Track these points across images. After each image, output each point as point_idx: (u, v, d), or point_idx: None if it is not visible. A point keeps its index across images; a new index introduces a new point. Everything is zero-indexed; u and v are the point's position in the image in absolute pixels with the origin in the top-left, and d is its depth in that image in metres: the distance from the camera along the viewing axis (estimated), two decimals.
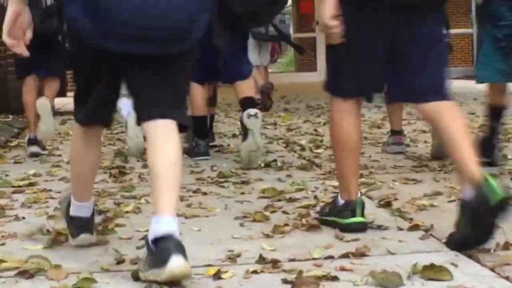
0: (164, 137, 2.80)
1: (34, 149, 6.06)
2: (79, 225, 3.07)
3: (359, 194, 3.34)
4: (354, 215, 3.27)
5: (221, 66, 5.38)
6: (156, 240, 2.54)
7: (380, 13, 3.19)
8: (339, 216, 3.30)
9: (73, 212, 3.05)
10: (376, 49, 3.27)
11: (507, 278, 2.54)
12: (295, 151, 5.88)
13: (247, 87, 5.53)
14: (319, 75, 20.37)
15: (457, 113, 3.33)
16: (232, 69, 5.50)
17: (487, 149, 4.76)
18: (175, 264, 2.46)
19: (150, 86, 2.79)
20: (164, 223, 2.57)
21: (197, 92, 5.48)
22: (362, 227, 3.25)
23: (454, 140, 3.13)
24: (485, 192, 2.89)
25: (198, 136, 5.75)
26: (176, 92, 2.86)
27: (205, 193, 4.22)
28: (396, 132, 5.82)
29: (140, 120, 2.86)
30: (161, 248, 2.51)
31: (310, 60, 21.48)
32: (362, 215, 3.28)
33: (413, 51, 3.28)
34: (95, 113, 2.91)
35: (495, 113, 4.92)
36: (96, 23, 2.62)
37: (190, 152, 5.53)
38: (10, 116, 9.31)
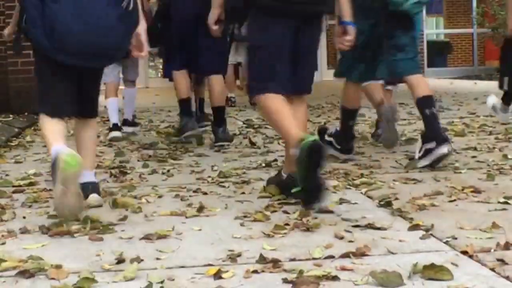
0: (90, 126, 4.04)
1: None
2: None
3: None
4: (293, 187, 3.77)
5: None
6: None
7: (289, 20, 3.94)
8: (286, 188, 3.89)
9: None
10: (285, 50, 3.97)
11: (507, 277, 2.54)
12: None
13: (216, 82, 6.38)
14: (319, 75, 20.45)
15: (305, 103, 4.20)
16: (206, 61, 6.23)
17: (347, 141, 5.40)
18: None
19: (89, 88, 3.98)
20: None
21: (180, 78, 6.24)
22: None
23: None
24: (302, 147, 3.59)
25: (184, 115, 6.56)
26: (97, 92, 4.09)
27: (205, 193, 4.22)
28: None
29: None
30: None
31: None
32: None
33: (306, 50, 4.06)
34: (58, 106, 3.78)
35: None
36: (51, 42, 3.62)
37: (181, 131, 6.07)
38: (11, 115, 9.31)
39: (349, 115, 5.40)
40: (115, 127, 7.03)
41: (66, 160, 3.42)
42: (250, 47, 4.15)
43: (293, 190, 3.76)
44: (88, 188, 3.84)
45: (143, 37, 3.89)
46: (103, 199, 3.95)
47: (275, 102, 3.90)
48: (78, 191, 3.48)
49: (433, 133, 4.84)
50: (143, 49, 3.92)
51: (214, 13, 4.56)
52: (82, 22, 3.60)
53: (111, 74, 6.97)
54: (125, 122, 7.47)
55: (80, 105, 3.90)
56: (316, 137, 3.93)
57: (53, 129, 3.74)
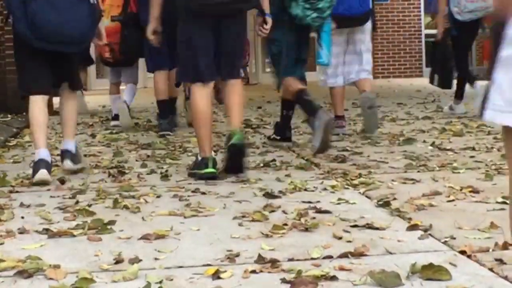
0: (70, 99, 4.99)
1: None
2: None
3: (212, 153, 4.75)
4: (207, 167, 4.61)
5: None
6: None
7: (206, 20, 4.71)
8: (198, 168, 4.69)
9: None
10: (208, 44, 4.74)
11: (505, 277, 2.54)
12: (293, 151, 5.88)
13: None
14: (318, 74, 20.40)
15: (239, 88, 4.94)
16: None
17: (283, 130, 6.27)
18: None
19: (66, 68, 4.93)
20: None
21: (159, 79, 6.70)
22: (212, 177, 4.58)
23: (231, 105, 4.86)
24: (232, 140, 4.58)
25: (161, 117, 7.35)
26: (75, 71, 5.06)
27: (203, 193, 4.22)
28: (339, 117, 6.87)
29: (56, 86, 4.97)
30: None
31: (309, 60, 21.45)
32: (213, 167, 4.62)
33: (230, 42, 4.82)
34: (39, 83, 4.81)
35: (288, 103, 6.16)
36: (33, 33, 4.60)
37: (157, 130, 6.48)
38: (9, 115, 9.30)
39: (288, 106, 6.22)
40: (115, 117, 8.27)
41: (38, 177, 4.55)
42: (178, 42, 4.90)
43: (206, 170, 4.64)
44: (66, 155, 4.94)
45: (102, 30, 5.11)
46: (75, 167, 4.88)
47: (201, 95, 4.76)
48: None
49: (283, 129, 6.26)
50: (102, 38, 5.13)
51: (150, 26, 5.37)
52: (56, 17, 4.59)
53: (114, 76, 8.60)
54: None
55: (61, 81, 4.93)
56: (238, 136, 4.66)
57: (38, 122, 4.75)
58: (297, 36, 5.96)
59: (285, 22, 5.74)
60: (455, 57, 8.44)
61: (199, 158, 4.72)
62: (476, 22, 8.30)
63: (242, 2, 4.78)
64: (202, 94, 4.76)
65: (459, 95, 8.71)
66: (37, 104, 4.78)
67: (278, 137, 6.28)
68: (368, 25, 6.98)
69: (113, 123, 8.30)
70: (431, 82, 8.70)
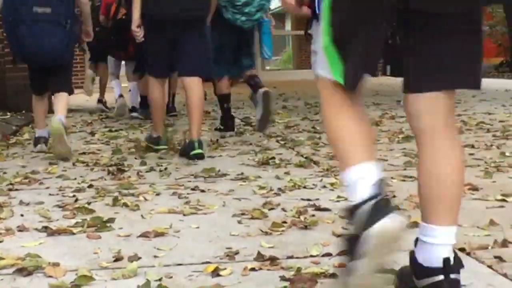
0: (60, 97, 6.02)
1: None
2: None
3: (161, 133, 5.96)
4: (158, 145, 5.98)
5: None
6: None
7: (167, 26, 5.68)
8: (154, 144, 5.98)
9: None
10: (165, 46, 5.77)
11: (505, 275, 2.54)
12: (293, 149, 5.88)
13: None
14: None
15: (198, 86, 5.78)
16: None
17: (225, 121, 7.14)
18: None
19: (52, 76, 6.01)
20: None
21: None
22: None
23: (189, 110, 5.75)
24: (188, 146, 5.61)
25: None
26: (65, 78, 6.11)
27: (203, 191, 4.22)
28: None
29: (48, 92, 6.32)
30: None
31: (308, 57, 21.46)
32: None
33: (188, 45, 5.72)
34: (38, 88, 6.19)
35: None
36: (22, 53, 5.88)
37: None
38: (8, 113, 9.30)
39: (223, 99, 7.09)
40: (133, 109, 9.25)
41: (52, 127, 5.64)
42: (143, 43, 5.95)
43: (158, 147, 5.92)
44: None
45: (90, 29, 6.37)
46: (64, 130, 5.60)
47: (156, 87, 5.98)
48: (65, 142, 5.58)
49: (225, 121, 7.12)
50: (90, 36, 6.41)
51: (134, 20, 5.85)
52: (39, 42, 5.77)
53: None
54: (133, 109, 9.26)
55: (53, 86, 6.07)
56: (197, 150, 5.52)
57: (39, 110, 6.30)
58: (235, 38, 6.76)
59: (221, 25, 6.51)
60: None
61: (154, 135, 6.06)
62: None
63: (196, 11, 5.74)
64: (157, 85, 5.96)
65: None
66: (38, 99, 6.31)
67: (222, 127, 7.16)
68: None
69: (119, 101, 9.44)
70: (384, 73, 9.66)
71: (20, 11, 5.75)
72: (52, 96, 6.23)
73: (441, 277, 2.19)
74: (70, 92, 6.09)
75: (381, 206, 2.07)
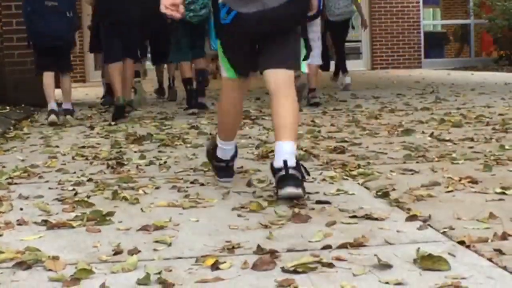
0: (65, 78, 8.34)
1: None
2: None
3: None
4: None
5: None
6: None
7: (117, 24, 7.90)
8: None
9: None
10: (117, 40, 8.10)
11: (504, 267, 2.54)
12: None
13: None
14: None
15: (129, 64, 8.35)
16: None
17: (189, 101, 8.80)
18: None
19: (59, 57, 8.09)
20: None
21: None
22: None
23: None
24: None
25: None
26: (67, 58, 8.35)
27: (202, 184, 4.22)
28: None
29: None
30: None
31: None
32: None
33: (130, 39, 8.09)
34: (45, 66, 8.08)
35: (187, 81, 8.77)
36: (36, 35, 8.01)
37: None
38: (7, 107, 9.30)
39: (187, 82, 8.73)
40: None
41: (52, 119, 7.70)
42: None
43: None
44: (67, 112, 8.13)
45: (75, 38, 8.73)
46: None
47: (114, 68, 8.18)
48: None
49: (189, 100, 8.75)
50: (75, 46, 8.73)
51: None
52: (48, 27, 7.88)
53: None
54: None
55: (59, 66, 8.22)
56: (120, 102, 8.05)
57: (48, 83, 8.06)
58: (190, 30, 8.49)
59: (181, 20, 7.16)
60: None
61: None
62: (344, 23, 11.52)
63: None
64: (116, 68, 8.16)
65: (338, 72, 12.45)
66: (47, 75, 8.08)
67: (187, 106, 8.71)
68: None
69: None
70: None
71: (35, 4, 7.93)
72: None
73: (283, 172, 3.58)
74: (71, 69, 8.61)
75: (227, 167, 4.30)
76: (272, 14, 3.77)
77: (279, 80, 3.81)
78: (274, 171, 3.65)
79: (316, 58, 9.01)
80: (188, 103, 8.74)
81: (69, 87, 8.30)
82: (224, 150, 4.23)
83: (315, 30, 8.94)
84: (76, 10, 8.34)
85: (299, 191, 3.59)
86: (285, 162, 3.60)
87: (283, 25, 3.86)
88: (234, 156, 4.29)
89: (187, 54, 8.67)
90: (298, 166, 3.64)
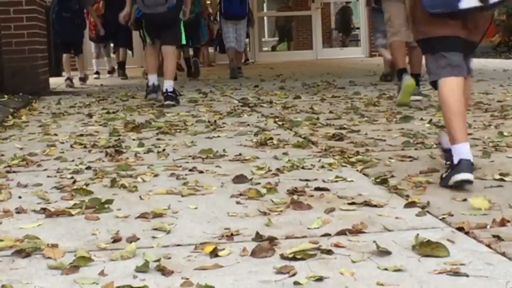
0: (78, 59, 13.04)
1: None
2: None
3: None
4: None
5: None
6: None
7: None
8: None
9: None
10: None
11: (503, 254, 2.55)
12: (291, 129, 5.88)
13: None
14: (314, 53, 20.42)
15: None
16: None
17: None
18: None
19: (73, 47, 12.70)
20: None
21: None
22: None
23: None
24: None
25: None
26: (80, 47, 12.98)
27: (201, 172, 4.21)
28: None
29: None
30: None
31: (305, 38, 21.46)
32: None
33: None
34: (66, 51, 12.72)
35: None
36: (60, 30, 12.38)
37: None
38: (5, 96, 9.28)
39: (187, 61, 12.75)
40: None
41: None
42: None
43: None
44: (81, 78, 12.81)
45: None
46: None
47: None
48: None
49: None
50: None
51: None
52: (64, 26, 12.04)
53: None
54: None
55: (75, 51, 12.50)
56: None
57: (66, 61, 12.52)
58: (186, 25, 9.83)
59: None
60: None
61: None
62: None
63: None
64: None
65: None
66: (67, 57, 12.34)
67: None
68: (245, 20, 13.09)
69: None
70: None
71: (60, 6, 11.95)
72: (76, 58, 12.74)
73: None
74: (81, 52, 12.86)
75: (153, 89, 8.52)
76: (160, 16, 8.10)
77: (166, 50, 8.32)
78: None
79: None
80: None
81: (80, 64, 12.95)
82: (149, 78, 8.61)
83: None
84: (83, 17, 12.63)
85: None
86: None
87: (166, 21, 8.17)
88: (157, 85, 8.50)
89: (188, 42, 11.23)
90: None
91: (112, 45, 15.27)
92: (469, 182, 3.55)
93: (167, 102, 8.05)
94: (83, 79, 12.70)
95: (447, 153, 3.85)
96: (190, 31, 11.24)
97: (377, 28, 9.90)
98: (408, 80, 7.33)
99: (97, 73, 14.51)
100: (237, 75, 12.64)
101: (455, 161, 3.62)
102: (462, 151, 3.63)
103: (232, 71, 12.70)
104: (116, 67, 14.95)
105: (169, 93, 8.09)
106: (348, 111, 6.99)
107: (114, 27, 12.33)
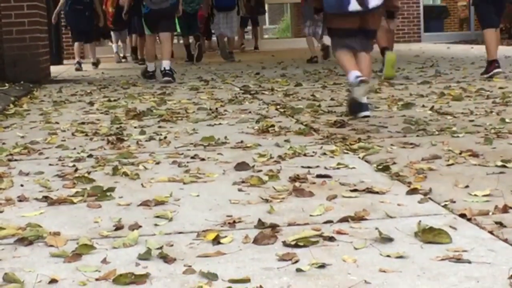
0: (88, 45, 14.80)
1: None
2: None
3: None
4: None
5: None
6: None
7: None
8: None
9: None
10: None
11: (505, 240, 2.55)
12: (292, 116, 5.87)
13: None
14: (316, 42, 20.36)
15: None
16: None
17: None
18: None
19: (85, 35, 14.27)
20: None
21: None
22: None
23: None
24: None
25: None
26: (91, 35, 14.40)
27: (203, 159, 4.21)
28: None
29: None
30: None
31: None
32: None
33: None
34: (78, 37, 14.09)
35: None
36: (72, 22, 13.89)
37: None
38: (6, 84, 9.28)
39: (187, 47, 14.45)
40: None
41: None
42: None
43: None
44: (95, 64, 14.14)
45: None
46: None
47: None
48: None
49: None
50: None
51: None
52: (76, 17, 13.41)
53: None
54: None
55: (87, 39, 14.05)
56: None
57: (77, 47, 13.94)
58: (184, 18, 12.69)
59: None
60: None
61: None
62: None
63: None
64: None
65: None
66: (79, 45, 13.72)
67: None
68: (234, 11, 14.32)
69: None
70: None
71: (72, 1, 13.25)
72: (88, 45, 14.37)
73: None
74: (91, 40, 14.25)
75: (152, 75, 10.05)
76: (164, 11, 9.40)
77: (164, 36, 9.61)
78: None
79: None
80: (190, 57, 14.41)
81: (92, 50, 14.37)
82: (149, 66, 9.89)
83: None
84: (93, 9, 13.59)
85: None
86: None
87: (166, 15, 9.49)
88: (154, 70, 9.86)
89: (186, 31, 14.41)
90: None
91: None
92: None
93: (165, 79, 9.47)
94: (96, 64, 14.09)
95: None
96: (190, 21, 13.67)
97: (306, 18, 12.48)
98: (389, 54, 8.76)
99: (124, 57, 16.39)
100: (228, 57, 14.30)
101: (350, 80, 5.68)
102: (354, 74, 5.62)
103: (223, 53, 14.62)
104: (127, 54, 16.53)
105: (167, 71, 9.56)
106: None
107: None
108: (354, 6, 5.63)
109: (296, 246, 2.53)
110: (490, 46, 8.53)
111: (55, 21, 14.28)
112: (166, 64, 9.54)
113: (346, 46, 5.79)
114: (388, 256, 2.41)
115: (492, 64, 8.51)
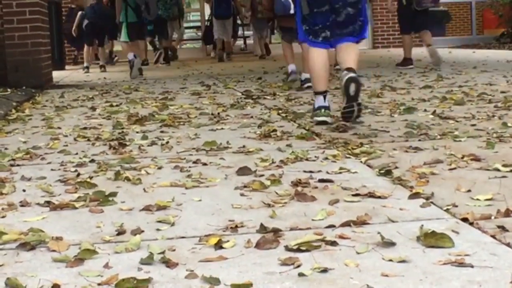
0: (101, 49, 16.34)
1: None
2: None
3: None
4: None
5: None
6: None
7: None
8: None
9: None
10: None
11: (508, 244, 2.54)
12: (294, 121, 5.87)
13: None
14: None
15: None
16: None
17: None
18: None
19: (100, 35, 15.98)
20: None
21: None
22: None
23: None
24: None
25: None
26: (102, 38, 16.38)
27: (205, 164, 4.21)
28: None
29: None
30: None
31: None
32: None
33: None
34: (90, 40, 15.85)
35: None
36: (90, 22, 15.45)
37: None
38: (9, 89, 9.29)
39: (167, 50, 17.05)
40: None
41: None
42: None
43: None
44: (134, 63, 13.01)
45: None
46: None
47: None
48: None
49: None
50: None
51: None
52: (96, 17, 14.96)
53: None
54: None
55: (101, 40, 15.61)
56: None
57: (86, 50, 15.43)
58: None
59: None
60: None
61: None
62: None
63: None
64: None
65: None
66: (90, 44, 15.29)
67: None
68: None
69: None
70: None
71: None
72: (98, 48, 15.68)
73: None
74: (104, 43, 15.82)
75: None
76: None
77: (142, 42, 11.62)
78: None
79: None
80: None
81: (104, 53, 15.92)
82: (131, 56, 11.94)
83: None
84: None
85: None
86: None
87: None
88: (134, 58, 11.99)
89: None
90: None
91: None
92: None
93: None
94: (104, 67, 15.18)
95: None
96: (160, 28, 16.48)
97: (256, 31, 17.91)
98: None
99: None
100: (225, 59, 16.92)
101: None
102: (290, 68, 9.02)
103: (219, 56, 17.24)
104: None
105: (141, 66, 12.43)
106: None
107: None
108: (292, 9, 7.99)
109: (298, 250, 2.53)
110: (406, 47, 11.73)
111: (76, 33, 16.25)
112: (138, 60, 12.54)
113: (290, 41, 8.83)
114: (390, 260, 2.41)
115: (407, 60, 11.46)
